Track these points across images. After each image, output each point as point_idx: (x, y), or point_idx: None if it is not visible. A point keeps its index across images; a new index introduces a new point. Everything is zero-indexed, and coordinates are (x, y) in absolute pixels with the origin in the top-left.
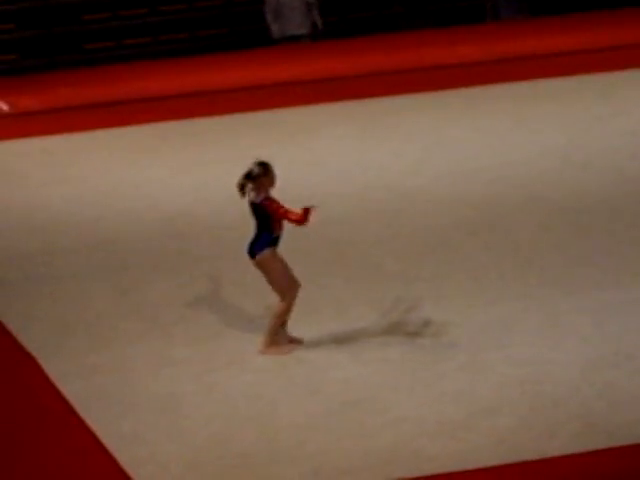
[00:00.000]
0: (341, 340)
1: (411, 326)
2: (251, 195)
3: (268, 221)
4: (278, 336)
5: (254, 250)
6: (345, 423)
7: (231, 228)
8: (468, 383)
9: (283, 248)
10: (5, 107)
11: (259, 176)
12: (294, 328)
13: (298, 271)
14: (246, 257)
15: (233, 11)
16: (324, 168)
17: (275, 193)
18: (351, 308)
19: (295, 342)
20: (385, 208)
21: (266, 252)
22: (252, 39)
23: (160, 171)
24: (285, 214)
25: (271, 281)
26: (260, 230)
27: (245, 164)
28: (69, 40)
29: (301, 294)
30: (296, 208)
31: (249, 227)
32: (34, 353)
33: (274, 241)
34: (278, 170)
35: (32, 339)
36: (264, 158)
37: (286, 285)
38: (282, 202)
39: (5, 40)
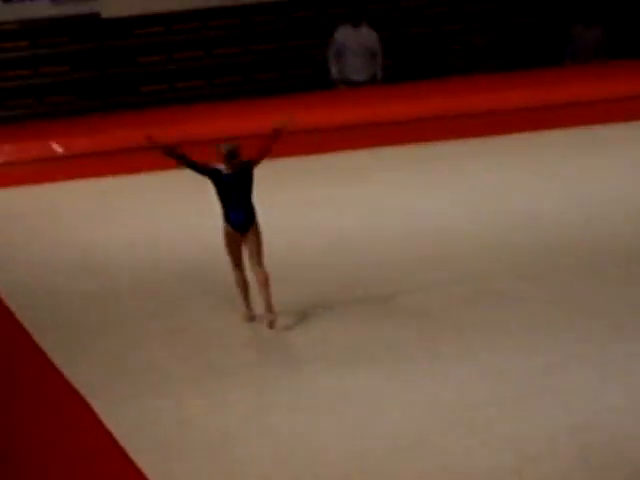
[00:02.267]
0: (392, 383)
1: (461, 371)
2: (230, 168)
3: (251, 186)
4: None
5: (253, 220)
6: (394, 468)
7: (285, 274)
8: (518, 428)
9: (335, 291)
10: (60, 149)
11: (236, 149)
12: (345, 368)
13: (349, 314)
14: (299, 301)
15: (287, 55)
16: (379, 211)
17: (332, 233)
18: (402, 352)
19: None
20: (437, 253)
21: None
22: (307, 83)
23: (214, 214)
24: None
25: (258, 247)
26: (248, 199)
27: (303, 206)
28: (124, 82)
29: (353, 336)
30: None
31: (302, 274)
32: (87, 394)
33: None
34: (334, 212)
35: (85, 380)
36: (320, 200)
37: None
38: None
39: (60, 82)
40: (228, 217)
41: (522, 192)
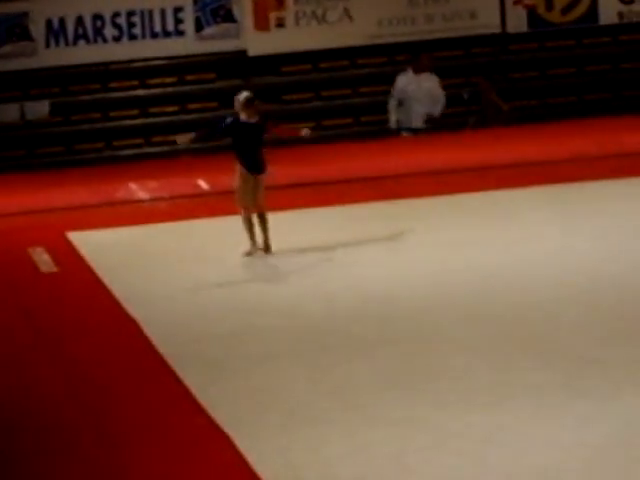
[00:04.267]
0: (536, 424)
1: (610, 412)
2: (247, 116)
3: (262, 139)
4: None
5: (264, 166)
6: None
7: (429, 311)
8: None
9: (482, 328)
10: (206, 185)
11: (253, 98)
12: (488, 407)
13: (493, 355)
14: (454, 342)
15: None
16: (523, 251)
17: (474, 272)
18: (547, 392)
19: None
20: (583, 293)
21: None
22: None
23: (363, 252)
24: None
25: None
26: (260, 147)
27: (445, 246)
28: (270, 119)
29: (497, 378)
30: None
31: (453, 309)
32: (230, 431)
33: None
34: (477, 253)
35: (228, 417)
36: (464, 240)
37: None
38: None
39: (207, 118)
40: (243, 161)
41: None
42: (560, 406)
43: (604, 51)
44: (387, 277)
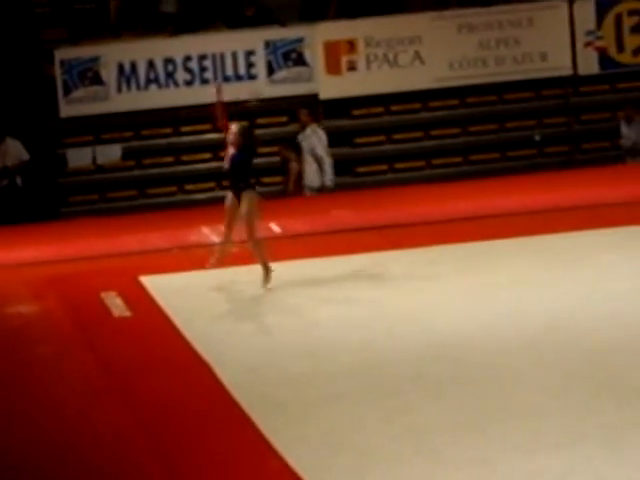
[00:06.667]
0: (612, 465)
1: None
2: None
3: None
4: None
5: None
6: None
7: (501, 352)
8: None
9: (553, 373)
10: (278, 229)
11: None
12: (554, 450)
13: (568, 396)
14: (527, 382)
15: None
16: (599, 292)
17: (548, 313)
18: (624, 433)
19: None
20: None
21: None
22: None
23: (433, 295)
24: None
25: None
26: None
27: (519, 287)
28: (340, 162)
29: (571, 419)
30: None
31: (522, 350)
32: (303, 474)
33: None
34: (549, 294)
35: (301, 460)
36: (538, 281)
37: None
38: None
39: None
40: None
41: None
42: (638, 447)
43: None
44: (459, 318)
